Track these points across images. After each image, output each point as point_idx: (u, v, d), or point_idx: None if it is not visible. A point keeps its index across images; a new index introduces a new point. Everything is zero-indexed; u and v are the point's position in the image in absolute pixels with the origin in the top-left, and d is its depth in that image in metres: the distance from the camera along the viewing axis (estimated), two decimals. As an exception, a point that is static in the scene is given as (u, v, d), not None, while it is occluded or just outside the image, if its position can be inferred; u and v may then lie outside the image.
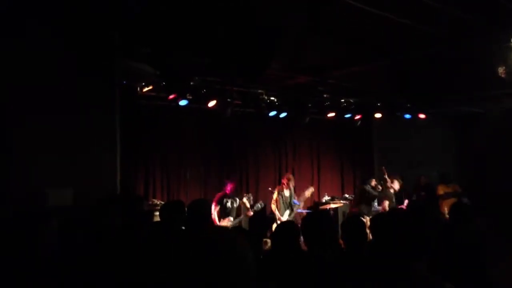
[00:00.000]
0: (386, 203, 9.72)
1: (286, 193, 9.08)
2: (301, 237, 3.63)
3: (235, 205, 8.30)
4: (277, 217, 8.88)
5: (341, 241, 3.83)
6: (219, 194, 8.29)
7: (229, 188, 8.29)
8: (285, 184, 9.12)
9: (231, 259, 1.61)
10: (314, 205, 10.80)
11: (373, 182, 9.97)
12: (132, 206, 4.66)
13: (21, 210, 4.96)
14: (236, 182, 8.46)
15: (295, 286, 3.07)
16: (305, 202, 9.80)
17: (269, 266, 3.38)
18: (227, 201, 8.21)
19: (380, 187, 9.91)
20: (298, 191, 9.84)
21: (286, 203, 9.04)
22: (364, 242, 3.60)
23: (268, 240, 7.40)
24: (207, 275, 1.54)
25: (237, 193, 8.93)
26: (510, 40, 5.82)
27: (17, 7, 5.24)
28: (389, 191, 9.96)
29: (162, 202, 8.36)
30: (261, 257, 3.73)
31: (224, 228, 4.54)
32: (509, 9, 5.59)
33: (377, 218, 3.38)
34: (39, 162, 5.30)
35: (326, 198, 11.13)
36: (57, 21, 5.49)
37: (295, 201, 9.16)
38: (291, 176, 9.38)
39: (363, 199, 9.84)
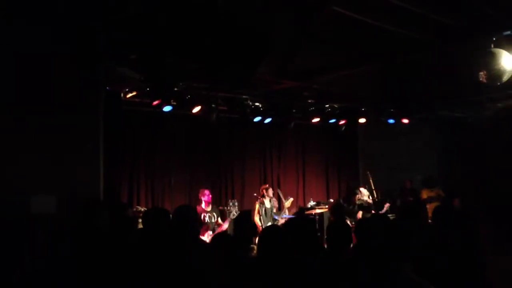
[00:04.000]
0: (360, 213, 9.66)
1: (267, 204, 9.12)
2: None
3: (213, 220, 8.27)
4: (259, 229, 8.86)
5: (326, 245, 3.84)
6: (197, 210, 8.25)
7: (205, 201, 8.25)
8: (264, 193, 9.16)
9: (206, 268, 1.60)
10: (300, 211, 10.80)
11: (358, 196, 9.83)
12: (116, 213, 4.62)
13: (4, 218, 4.87)
14: (209, 191, 8.40)
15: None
16: (289, 208, 9.83)
17: (256, 272, 3.37)
18: (205, 216, 8.17)
19: (360, 198, 9.81)
20: (283, 195, 9.89)
21: (268, 215, 9.08)
22: (349, 246, 3.61)
23: (254, 246, 7.38)
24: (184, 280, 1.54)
25: (215, 206, 8.90)
26: (491, 45, 5.90)
27: (4, 7, 5.18)
28: (364, 201, 9.88)
29: (146, 209, 8.29)
30: (247, 262, 3.71)
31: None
32: (489, 14, 5.68)
33: (362, 221, 3.39)
34: (21, 168, 5.23)
35: (311, 203, 11.13)
36: (44, 22, 5.43)
37: (275, 216, 9.21)
38: (267, 185, 9.47)
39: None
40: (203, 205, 8.24)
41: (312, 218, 9.35)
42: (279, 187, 11.07)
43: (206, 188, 8.52)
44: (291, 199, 9.81)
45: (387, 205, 10.01)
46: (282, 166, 11.87)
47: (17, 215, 4.97)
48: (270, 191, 9.26)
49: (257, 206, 9.08)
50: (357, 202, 9.67)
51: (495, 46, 5.88)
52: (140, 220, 6.61)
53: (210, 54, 6.02)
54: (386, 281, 2.44)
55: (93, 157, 5.90)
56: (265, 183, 11.07)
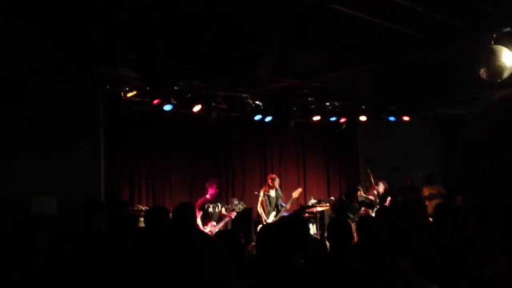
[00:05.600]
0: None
1: (272, 193, 9.07)
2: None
3: (217, 210, 8.24)
4: (263, 219, 8.86)
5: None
6: (201, 200, 8.22)
7: (210, 193, 8.22)
8: (270, 183, 9.11)
9: (207, 263, 1.60)
10: (301, 209, 10.81)
11: (360, 193, 9.80)
12: (117, 211, 4.63)
13: (5, 218, 4.87)
14: (216, 184, 8.33)
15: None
16: (292, 204, 9.80)
17: (255, 270, 3.37)
18: (209, 207, 8.14)
19: (362, 194, 9.78)
20: (285, 193, 9.85)
21: (272, 204, 9.03)
22: (349, 243, 3.61)
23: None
24: (186, 277, 1.54)
25: (221, 197, 8.88)
26: (491, 42, 5.90)
27: (5, 6, 5.19)
28: (368, 199, 9.83)
29: (148, 208, 8.29)
30: (244, 261, 3.71)
31: (204, 235, 4.55)
32: (488, 11, 5.68)
33: (363, 219, 3.39)
34: (21, 168, 5.23)
35: (312, 201, 11.13)
36: (43, 23, 5.43)
37: (282, 203, 9.17)
38: (274, 176, 9.36)
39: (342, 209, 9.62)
40: (207, 196, 8.21)
41: (302, 218, 9.23)
42: (279, 185, 11.04)
43: (212, 185, 8.44)
44: (300, 190, 9.77)
45: (389, 199, 10.05)
46: (283, 165, 11.86)
47: (18, 215, 4.97)
48: (277, 182, 9.21)
49: (261, 195, 9.05)
50: (359, 199, 9.67)
51: (495, 43, 5.88)
52: (141, 219, 6.64)
53: (209, 54, 6.03)
54: (385, 279, 2.44)
55: (94, 157, 5.90)
56: (265, 181, 11.07)
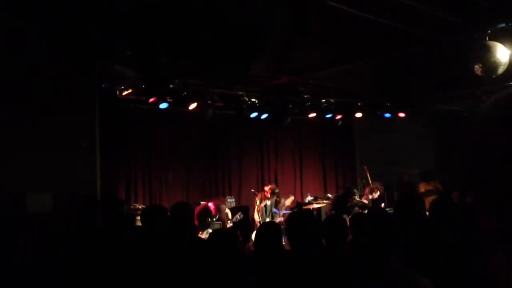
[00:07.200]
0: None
1: (268, 202, 9.12)
2: (284, 237, 3.65)
3: (214, 219, 8.19)
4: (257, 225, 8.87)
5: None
6: (201, 207, 8.14)
7: (213, 208, 8.13)
8: (268, 195, 9.12)
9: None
10: (297, 206, 10.82)
11: (355, 197, 9.70)
12: (112, 209, 4.62)
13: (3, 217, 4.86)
14: (219, 204, 8.29)
15: (280, 285, 3.07)
16: (289, 206, 9.84)
17: (255, 266, 3.37)
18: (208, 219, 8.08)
19: (357, 199, 9.70)
20: (281, 189, 9.88)
21: (268, 211, 9.10)
22: (345, 240, 3.62)
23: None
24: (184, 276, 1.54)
25: (219, 196, 8.88)
26: (486, 38, 5.91)
27: (5, 6, 5.17)
28: (362, 203, 9.79)
29: (144, 206, 8.26)
30: (243, 259, 3.72)
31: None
32: (483, 7, 5.68)
33: (355, 216, 3.41)
34: (17, 166, 5.22)
35: (309, 198, 11.14)
36: (40, 21, 5.42)
37: (276, 210, 9.21)
38: (277, 190, 9.33)
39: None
40: (212, 206, 8.15)
41: (311, 212, 9.28)
42: (276, 182, 11.06)
43: (216, 204, 8.38)
44: (292, 198, 9.80)
45: (383, 205, 9.97)
46: (279, 162, 11.88)
47: (13, 214, 4.96)
48: (275, 197, 9.24)
49: (257, 202, 9.07)
50: (354, 202, 9.60)
51: (490, 39, 5.89)
52: (138, 218, 6.62)
53: (206, 51, 6.01)
54: (378, 274, 2.45)
55: (90, 155, 5.89)
56: (262, 179, 11.08)
